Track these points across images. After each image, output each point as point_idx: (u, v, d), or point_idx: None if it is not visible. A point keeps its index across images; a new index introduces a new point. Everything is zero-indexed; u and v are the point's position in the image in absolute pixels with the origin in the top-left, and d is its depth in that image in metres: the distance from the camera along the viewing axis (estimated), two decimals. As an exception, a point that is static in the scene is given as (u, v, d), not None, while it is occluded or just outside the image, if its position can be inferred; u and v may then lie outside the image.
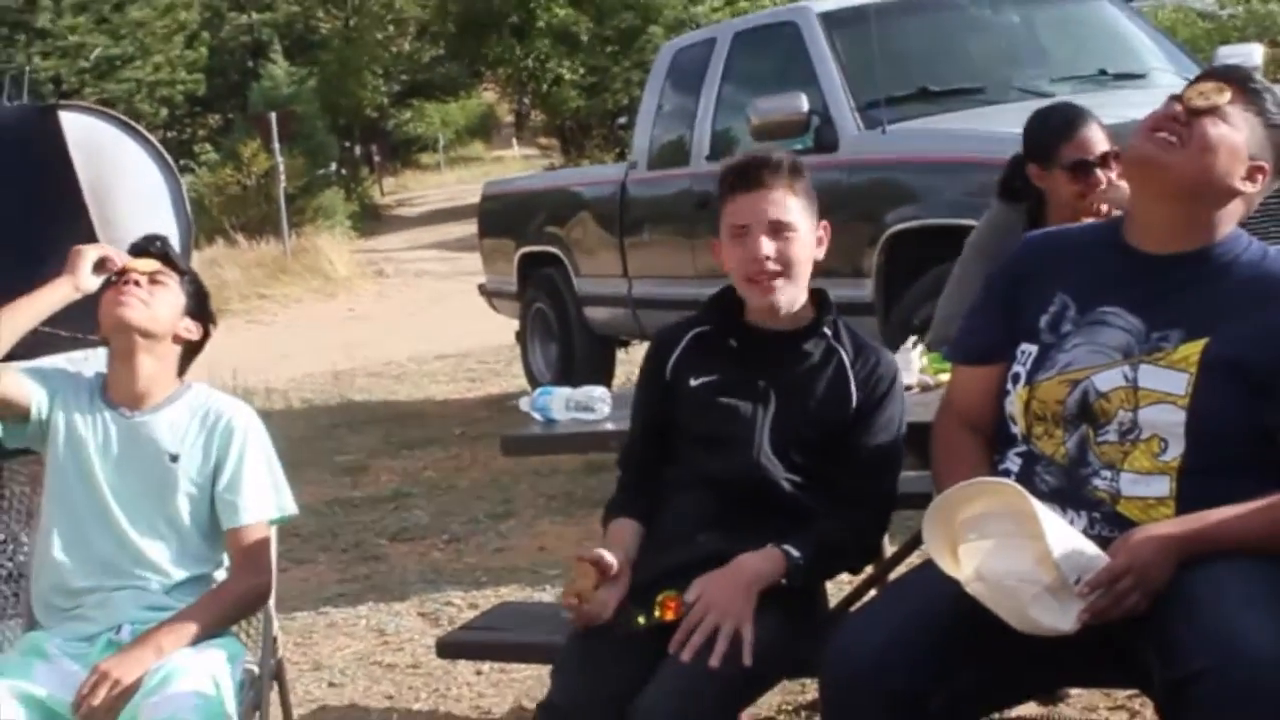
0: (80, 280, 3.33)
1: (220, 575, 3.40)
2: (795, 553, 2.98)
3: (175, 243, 3.97)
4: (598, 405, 3.90)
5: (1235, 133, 2.67)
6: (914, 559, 3.72)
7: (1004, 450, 2.85)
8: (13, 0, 29.71)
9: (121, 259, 3.37)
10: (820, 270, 3.18)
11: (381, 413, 10.79)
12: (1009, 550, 2.54)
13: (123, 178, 4.58)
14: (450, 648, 4.12)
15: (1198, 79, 2.75)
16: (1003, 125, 6.06)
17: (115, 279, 3.35)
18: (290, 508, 3.43)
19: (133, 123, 4.80)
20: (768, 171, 3.08)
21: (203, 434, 3.35)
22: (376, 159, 40.77)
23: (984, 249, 4.30)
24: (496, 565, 6.28)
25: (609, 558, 3.02)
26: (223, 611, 3.30)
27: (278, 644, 3.53)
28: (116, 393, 3.38)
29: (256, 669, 3.40)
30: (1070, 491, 2.72)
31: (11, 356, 3.33)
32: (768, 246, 3.04)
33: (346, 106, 35.75)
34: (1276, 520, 2.58)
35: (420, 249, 25.62)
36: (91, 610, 3.25)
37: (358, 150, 39.48)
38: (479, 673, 4.83)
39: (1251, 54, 7.43)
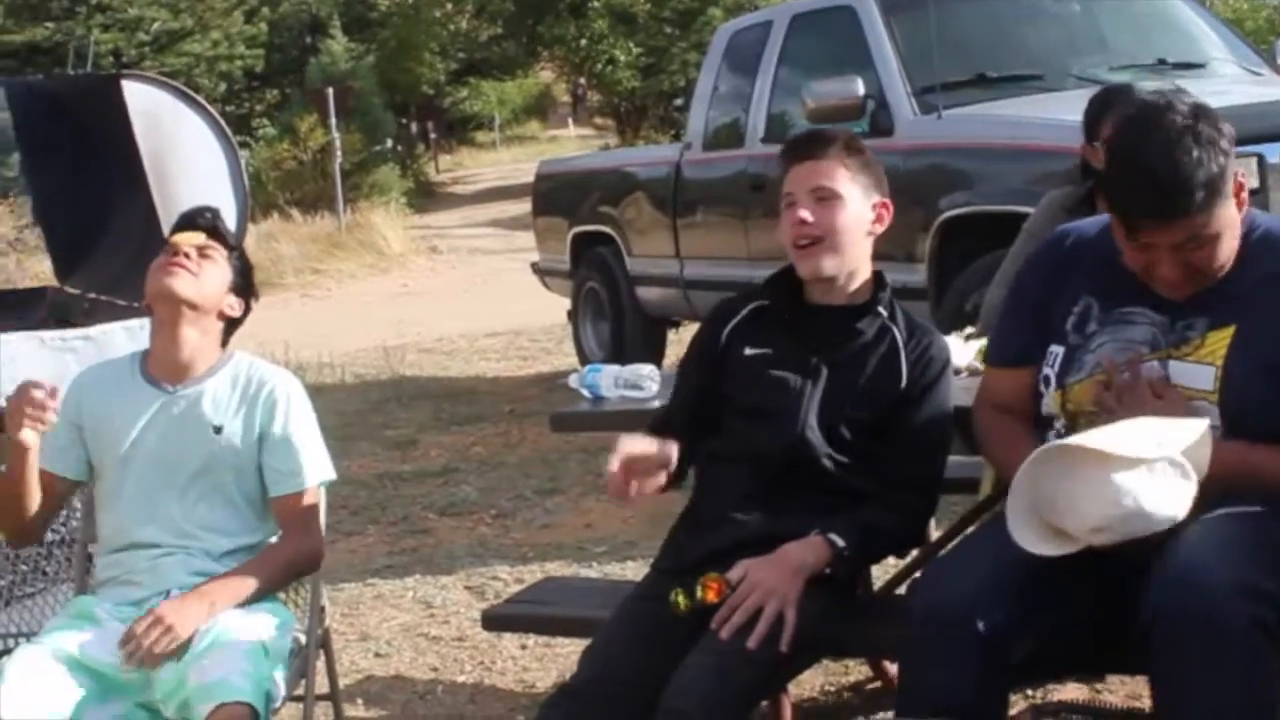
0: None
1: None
2: (840, 541, 2.99)
3: (232, 215, 4.00)
4: (646, 383, 3.90)
5: None
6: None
7: (1046, 435, 2.86)
8: (74, -27, 29.93)
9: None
10: (874, 255, 3.19)
11: (432, 388, 10.82)
12: (1100, 486, 2.53)
13: (182, 148, 4.63)
14: (495, 620, 4.14)
15: None
16: (1059, 113, 6.03)
17: (165, 250, 3.35)
18: (332, 474, 3.45)
19: (194, 94, 4.84)
20: (819, 143, 3.13)
21: (245, 404, 3.35)
22: (432, 136, 40.77)
23: (1035, 234, 4.28)
24: (543, 541, 6.30)
25: (648, 447, 2.97)
26: (275, 572, 3.33)
27: (325, 614, 3.56)
28: (159, 366, 3.37)
29: (304, 638, 3.42)
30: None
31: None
32: (807, 212, 3.07)
33: (403, 83, 35.79)
34: None
35: (474, 226, 25.63)
36: (140, 575, 3.27)
37: (414, 127, 39.54)
38: (523, 646, 4.86)
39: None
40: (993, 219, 6.17)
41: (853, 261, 3.13)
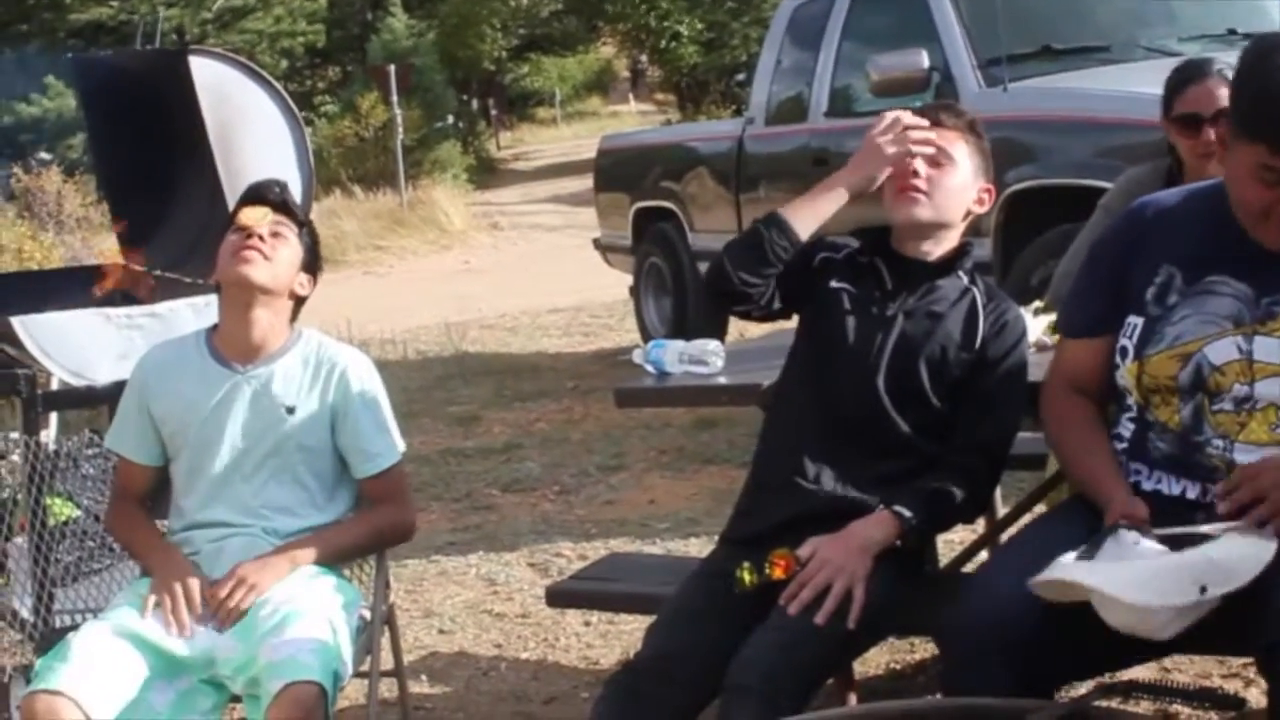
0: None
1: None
2: (907, 513, 2.98)
3: (298, 190, 3.99)
4: (711, 359, 3.87)
5: None
6: (1026, 521, 3.69)
7: (1118, 416, 2.83)
8: (137, -49, 30.08)
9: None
10: (943, 228, 3.20)
11: (494, 365, 10.85)
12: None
13: (248, 123, 4.64)
14: (559, 597, 4.14)
15: None
16: (1127, 85, 5.96)
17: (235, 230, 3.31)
18: (403, 445, 3.46)
19: (260, 70, 4.85)
20: (948, 114, 3.26)
21: (317, 384, 3.34)
22: (494, 112, 40.82)
23: (1112, 210, 4.22)
24: (606, 517, 6.31)
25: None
26: (361, 538, 3.37)
27: (389, 590, 3.57)
28: (229, 346, 3.36)
29: (369, 615, 3.43)
30: (1183, 459, 2.69)
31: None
32: (922, 166, 3.14)
33: (464, 60, 35.81)
34: None
35: (535, 203, 25.66)
36: (207, 554, 3.28)
37: (475, 103, 39.56)
38: (587, 623, 4.86)
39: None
40: (1059, 192, 6.11)
41: (946, 223, 3.18)
